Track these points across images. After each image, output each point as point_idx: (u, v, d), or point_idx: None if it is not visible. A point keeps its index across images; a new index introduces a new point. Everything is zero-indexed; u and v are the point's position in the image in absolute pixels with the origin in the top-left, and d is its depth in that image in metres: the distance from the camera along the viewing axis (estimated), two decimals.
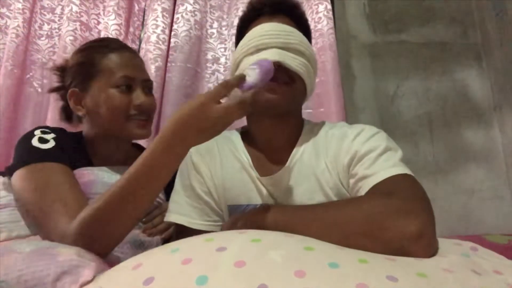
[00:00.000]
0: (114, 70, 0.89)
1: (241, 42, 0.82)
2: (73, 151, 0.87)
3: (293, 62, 0.77)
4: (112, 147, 0.94)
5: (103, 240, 0.65)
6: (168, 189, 0.91)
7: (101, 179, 0.85)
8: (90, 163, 0.91)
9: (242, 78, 0.65)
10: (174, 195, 0.83)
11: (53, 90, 0.98)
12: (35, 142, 0.81)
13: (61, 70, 0.96)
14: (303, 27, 0.86)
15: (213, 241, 0.48)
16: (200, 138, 0.64)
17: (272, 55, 0.75)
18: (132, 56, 0.95)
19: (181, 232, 0.80)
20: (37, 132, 0.84)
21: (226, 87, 0.63)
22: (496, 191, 1.51)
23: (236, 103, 0.62)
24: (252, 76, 0.66)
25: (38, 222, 0.75)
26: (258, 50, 0.78)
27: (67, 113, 0.99)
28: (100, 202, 0.64)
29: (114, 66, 0.89)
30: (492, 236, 1.01)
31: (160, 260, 0.46)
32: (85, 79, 0.90)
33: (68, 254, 0.53)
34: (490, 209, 1.49)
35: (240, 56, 0.81)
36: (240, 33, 0.87)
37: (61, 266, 0.49)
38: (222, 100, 0.64)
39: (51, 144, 0.82)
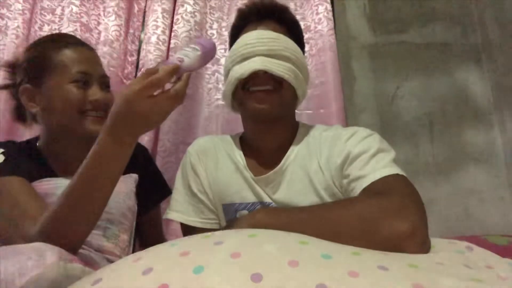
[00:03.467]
0: (70, 65, 0.86)
1: (230, 51, 0.85)
2: (28, 162, 0.85)
3: (278, 68, 0.79)
4: (71, 147, 0.90)
5: (66, 240, 0.65)
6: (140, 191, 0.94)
7: (62, 188, 0.82)
8: (50, 171, 0.89)
9: (175, 70, 0.61)
10: (174, 194, 0.88)
11: (3, 87, 0.94)
12: None
13: (12, 66, 0.93)
14: (292, 30, 0.88)
15: (211, 237, 0.50)
16: (139, 129, 0.64)
17: (256, 63, 0.78)
18: (88, 51, 0.92)
19: (186, 231, 0.86)
20: None
21: (154, 86, 0.59)
22: (496, 192, 1.51)
23: (168, 97, 0.61)
24: (192, 59, 0.62)
25: None
26: (244, 59, 0.80)
27: (19, 113, 0.95)
28: (57, 203, 0.65)
29: (69, 61, 0.86)
30: (492, 237, 1.01)
31: (159, 253, 0.48)
32: (38, 75, 0.87)
33: (30, 245, 0.53)
34: (490, 209, 1.49)
35: (229, 65, 0.84)
36: (232, 40, 0.90)
37: (25, 254, 0.49)
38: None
39: (0, 159, 0.81)
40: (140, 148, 1.10)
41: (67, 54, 0.87)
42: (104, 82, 0.92)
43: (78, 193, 0.64)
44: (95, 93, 0.87)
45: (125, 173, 0.91)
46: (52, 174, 0.88)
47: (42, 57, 0.87)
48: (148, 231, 1.04)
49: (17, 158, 0.84)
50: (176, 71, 0.61)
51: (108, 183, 0.67)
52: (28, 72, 0.88)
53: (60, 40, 0.91)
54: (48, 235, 0.64)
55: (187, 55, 0.63)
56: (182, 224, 0.86)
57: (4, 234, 0.72)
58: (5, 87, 0.94)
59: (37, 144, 0.93)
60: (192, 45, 0.65)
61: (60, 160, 0.90)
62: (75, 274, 0.49)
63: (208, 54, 0.66)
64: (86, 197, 0.65)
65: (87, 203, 0.66)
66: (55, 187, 0.83)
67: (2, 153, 0.83)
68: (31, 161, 0.87)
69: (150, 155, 1.15)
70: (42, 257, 0.49)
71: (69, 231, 0.65)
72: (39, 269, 0.46)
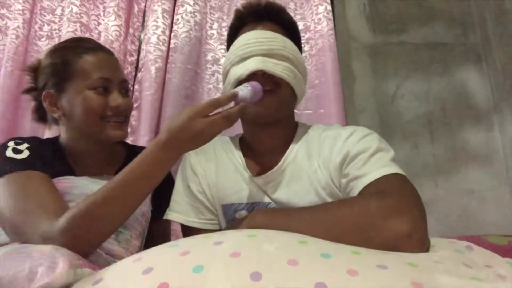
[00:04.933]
0: (90, 71, 0.87)
1: (228, 52, 0.85)
2: (50, 159, 0.86)
3: (276, 68, 0.79)
4: (91, 150, 0.92)
5: (89, 238, 0.66)
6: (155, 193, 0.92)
7: (78, 188, 0.84)
8: (70, 170, 0.89)
9: (233, 96, 0.69)
10: (174, 194, 0.88)
11: (26, 91, 0.96)
12: (9, 153, 0.81)
13: (34, 70, 0.94)
14: (290, 31, 0.88)
15: (211, 237, 0.50)
16: (190, 146, 0.68)
17: (255, 63, 0.78)
18: (108, 57, 0.93)
19: (185, 232, 0.85)
20: (11, 144, 0.83)
21: (214, 106, 0.66)
22: (496, 191, 1.51)
23: (221, 116, 0.65)
24: (245, 92, 0.72)
25: (18, 228, 0.73)
26: (243, 59, 0.80)
27: (40, 114, 0.96)
28: (91, 200, 0.66)
29: (90, 67, 0.87)
30: (492, 237, 1.01)
31: (159, 253, 0.49)
32: (60, 80, 0.88)
33: (42, 249, 0.53)
34: (490, 209, 1.49)
35: (227, 66, 0.84)
36: (230, 41, 0.90)
37: (36, 260, 0.49)
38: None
39: (25, 153, 0.82)
40: None
41: (88, 60, 0.88)
42: (124, 87, 0.93)
43: (114, 194, 0.66)
44: (115, 99, 0.88)
45: None
46: (71, 173, 0.89)
47: (64, 63, 0.88)
48: (156, 239, 1.04)
49: (40, 154, 0.85)
50: (234, 97, 0.69)
51: (145, 191, 0.70)
52: (51, 77, 0.89)
53: (81, 45, 0.91)
54: (71, 232, 0.64)
55: (241, 89, 0.72)
56: (182, 225, 0.86)
57: (21, 229, 0.72)
58: (28, 91, 0.95)
59: (59, 142, 0.94)
60: (245, 84, 0.74)
61: (79, 160, 0.92)
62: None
63: (257, 91, 0.74)
64: (121, 199, 0.67)
65: (120, 205, 0.68)
66: (72, 186, 0.84)
67: (27, 148, 0.83)
68: (53, 158, 0.88)
69: None
70: (53, 265, 0.49)
71: (94, 229, 0.66)
72: (48, 277, 0.47)
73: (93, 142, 0.91)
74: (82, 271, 0.50)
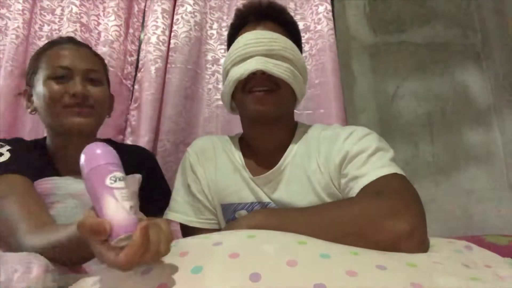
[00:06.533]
0: (51, 62, 0.88)
1: (229, 52, 0.85)
2: (33, 160, 0.86)
3: (277, 68, 0.78)
4: (68, 146, 0.89)
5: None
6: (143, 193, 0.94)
7: (62, 188, 0.83)
8: (55, 170, 0.89)
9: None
10: (174, 194, 0.89)
11: (17, 94, 1.00)
12: None
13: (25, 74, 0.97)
14: (291, 31, 0.88)
15: (210, 238, 0.50)
16: None
17: (255, 63, 0.78)
18: (74, 48, 0.92)
19: (185, 231, 0.86)
20: None
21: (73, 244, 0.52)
22: (496, 191, 1.51)
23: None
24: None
25: None
26: (243, 59, 0.80)
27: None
28: (44, 245, 0.59)
29: (52, 58, 0.89)
30: (492, 237, 1.01)
31: None
32: (31, 76, 0.91)
33: (16, 256, 0.52)
34: (490, 209, 1.49)
35: (228, 65, 0.84)
36: (230, 40, 0.90)
37: (11, 267, 0.49)
38: None
39: (6, 156, 0.82)
40: (147, 153, 1.10)
41: (51, 52, 0.90)
42: (90, 76, 0.90)
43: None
44: (74, 85, 0.86)
45: (129, 174, 0.91)
46: (56, 173, 0.88)
47: (34, 60, 0.91)
48: None
49: (22, 156, 0.84)
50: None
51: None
52: (26, 75, 0.92)
53: (51, 43, 0.94)
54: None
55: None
56: (181, 225, 0.86)
57: (2, 235, 0.72)
58: (19, 94, 0.98)
59: (46, 142, 0.94)
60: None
61: (62, 158, 0.91)
62: (62, 283, 0.50)
63: None
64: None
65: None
66: (55, 186, 0.83)
67: (8, 150, 0.83)
68: (36, 159, 0.87)
69: (157, 162, 1.13)
70: (28, 269, 0.49)
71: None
72: (24, 283, 0.47)
73: (65, 137, 0.89)
74: (66, 277, 0.50)
